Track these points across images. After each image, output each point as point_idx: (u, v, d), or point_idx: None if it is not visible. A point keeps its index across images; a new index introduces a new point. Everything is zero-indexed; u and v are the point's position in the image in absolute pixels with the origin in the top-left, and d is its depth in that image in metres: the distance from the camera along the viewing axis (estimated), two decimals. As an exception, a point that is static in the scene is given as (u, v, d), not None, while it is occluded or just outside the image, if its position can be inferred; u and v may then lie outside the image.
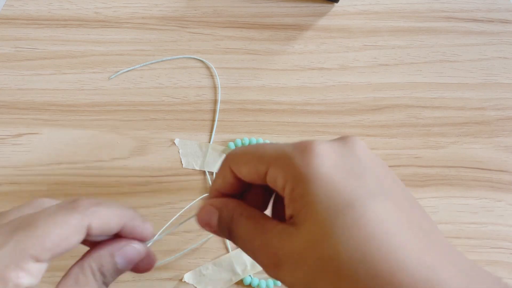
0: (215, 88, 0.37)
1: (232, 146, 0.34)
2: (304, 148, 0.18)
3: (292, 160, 0.18)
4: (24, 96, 0.36)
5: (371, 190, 0.17)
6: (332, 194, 0.17)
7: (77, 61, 0.37)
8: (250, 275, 0.31)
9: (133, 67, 0.37)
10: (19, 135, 0.35)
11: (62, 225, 0.17)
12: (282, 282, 0.18)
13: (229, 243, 0.32)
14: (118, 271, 0.19)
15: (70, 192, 0.33)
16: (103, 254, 0.19)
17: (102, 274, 0.19)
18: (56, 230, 0.17)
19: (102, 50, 0.38)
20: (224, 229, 0.20)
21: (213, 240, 0.32)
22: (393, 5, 0.40)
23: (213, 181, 0.21)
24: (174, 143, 0.34)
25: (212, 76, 0.37)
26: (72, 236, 0.17)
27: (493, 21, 0.40)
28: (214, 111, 0.36)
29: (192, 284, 0.31)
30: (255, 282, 0.30)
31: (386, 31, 0.39)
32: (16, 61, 0.37)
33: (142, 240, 0.20)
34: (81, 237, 0.17)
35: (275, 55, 0.38)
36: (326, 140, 0.18)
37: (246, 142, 0.34)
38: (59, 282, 0.18)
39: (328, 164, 0.17)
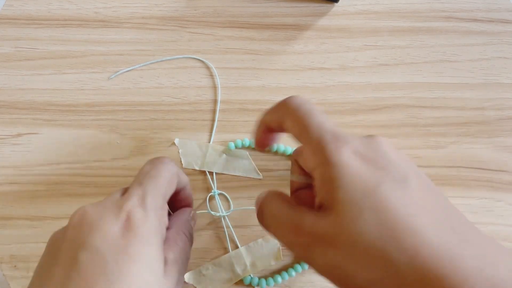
0: (215, 88, 0.37)
1: (232, 146, 0.34)
2: (337, 138, 0.20)
3: (325, 146, 0.20)
4: (24, 96, 0.36)
5: (394, 178, 0.19)
6: (360, 180, 0.18)
7: (77, 61, 0.37)
8: (250, 275, 0.31)
9: (133, 67, 0.37)
10: (19, 135, 0.35)
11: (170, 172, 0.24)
12: (312, 264, 0.19)
13: (229, 243, 0.32)
14: (193, 229, 0.27)
15: (70, 192, 0.33)
16: (186, 220, 0.26)
17: (190, 233, 0.25)
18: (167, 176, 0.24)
19: (102, 50, 0.38)
20: (256, 206, 0.23)
21: (213, 240, 0.32)
22: (393, 5, 0.40)
23: (262, 117, 0.26)
24: (174, 143, 0.34)
25: (212, 76, 0.37)
26: (175, 180, 0.24)
27: (493, 21, 0.40)
28: (214, 111, 0.36)
29: (192, 284, 0.31)
30: (255, 281, 0.31)
31: (386, 31, 0.39)
32: (16, 61, 0.37)
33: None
34: (176, 181, 0.25)
35: (275, 55, 0.38)
36: (356, 136, 0.21)
37: (247, 143, 0.34)
38: (167, 248, 0.22)
39: (356, 155, 0.19)
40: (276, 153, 0.34)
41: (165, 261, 0.21)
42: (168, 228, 0.24)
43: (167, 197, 0.23)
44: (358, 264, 0.17)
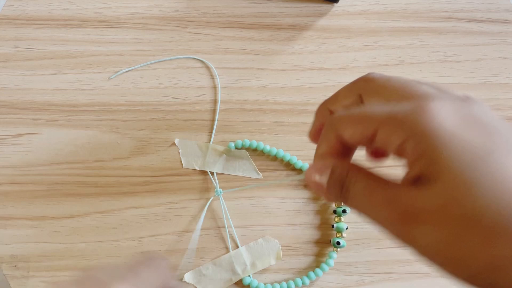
0: (215, 88, 0.37)
1: (232, 146, 0.34)
2: (419, 106, 0.17)
3: (409, 117, 0.17)
4: (24, 96, 0.36)
5: (507, 146, 0.16)
6: (464, 148, 0.15)
7: (77, 61, 0.37)
8: (249, 275, 0.31)
9: (133, 67, 0.37)
10: (19, 135, 0.35)
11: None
12: (412, 242, 0.17)
13: (229, 243, 0.32)
14: None
15: (70, 192, 0.33)
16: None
17: None
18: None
19: (102, 50, 0.38)
20: (336, 186, 0.19)
21: (213, 240, 0.32)
22: (393, 5, 0.40)
23: (317, 148, 0.21)
24: (174, 143, 0.35)
25: (212, 76, 0.37)
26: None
27: (493, 21, 0.40)
28: (214, 111, 0.36)
29: (192, 284, 0.31)
30: (254, 283, 0.31)
31: (386, 31, 0.39)
32: (16, 61, 0.37)
33: None
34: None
35: (275, 55, 0.38)
36: (452, 95, 0.18)
37: (247, 144, 0.34)
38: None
39: (452, 119, 0.16)
40: (275, 158, 0.34)
41: None
42: None
43: None
44: (477, 242, 0.15)
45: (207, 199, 0.33)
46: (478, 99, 0.18)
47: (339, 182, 0.19)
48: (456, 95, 0.18)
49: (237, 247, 0.32)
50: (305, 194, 0.34)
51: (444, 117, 0.16)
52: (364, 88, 0.20)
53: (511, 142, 0.16)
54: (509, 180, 0.15)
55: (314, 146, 0.35)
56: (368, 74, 0.20)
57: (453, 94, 0.18)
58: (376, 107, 0.18)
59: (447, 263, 0.16)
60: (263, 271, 0.31)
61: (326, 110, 0.22)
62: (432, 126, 0.16)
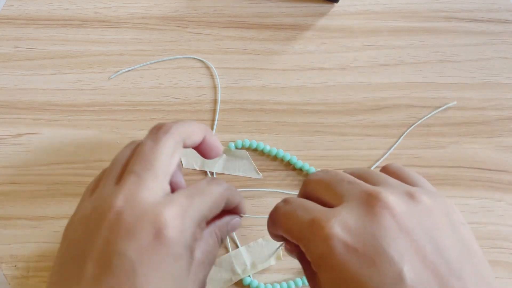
0: (215, 88, 0.37)
1: (232, 146, 0.34)
2: (318, 230, 0.19)
3: (309, 246, 0.19)
4: (24, 96, 0.36)
5: (384, 280, 0.17)
6: (346, 284, 0.17)
7: (77, 61, 0.37)
8: (249, 276, 0.31)
9: (133, 67, 0.37)
10: (19, 135, 0.35)
11: (166, 153, 0.22)
12: None
13: (229, 243, 0.32)
14: (227, 234, 0.26)
15: (70, 192, 0.33)
16: (222, 225, 0.25)
17: (221, 238, 0.24)
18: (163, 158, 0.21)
19: (102, 50, 0.38)
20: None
21: (213, 240, 0.32)
22: (393, 5, 0.40)
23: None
24: (174, 143, 0.34)
25: (212, 76, 0.37)
26: (176, 155, 0.22)
27: (493, 21, 0.40)
28: (214, 111, 0.36)
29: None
30: (255, 283, 0.31)
31: (386, 31, 0.39)
32: (16, 61, 0.37)
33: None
34: (181, 152, 0.23)
35: (275, 55, 0.38)
36: (347, 209, 0.19)
37: (247, 144, 0.34)
38: (196, 247, 0.22)
39: (341, 250, 0.18)
40: (275, 158, 0.34)
41: (192, 258, 0.21)
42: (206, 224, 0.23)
43: (209, 217, 0.23)
44: None
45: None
46: (382, 204, 0.18)
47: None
48: (365, 201, 0.19)
49: (237, 247, 0.32)
50: (305, 194, 0.34)
51: (334, 246, 0.18)
52: (306, 192, 0.23)
53: (389, 274, 0.17)
54: None
55: (313, 146, 0.35)
56: (306, 179, 0.24)
57: (364, 201, 0.19)
58: (295, 217, 0.21)
59: None
60: (263, 271, 0.31)
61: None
62: (321, 261, 0.18)
